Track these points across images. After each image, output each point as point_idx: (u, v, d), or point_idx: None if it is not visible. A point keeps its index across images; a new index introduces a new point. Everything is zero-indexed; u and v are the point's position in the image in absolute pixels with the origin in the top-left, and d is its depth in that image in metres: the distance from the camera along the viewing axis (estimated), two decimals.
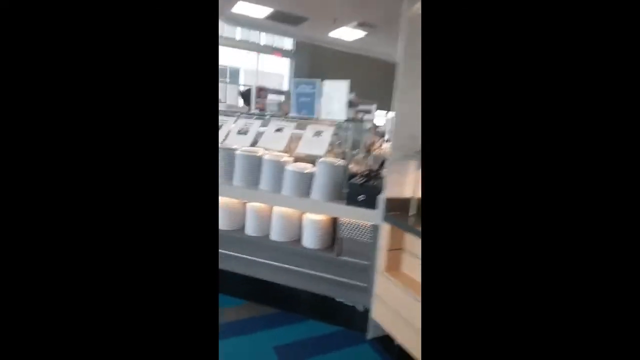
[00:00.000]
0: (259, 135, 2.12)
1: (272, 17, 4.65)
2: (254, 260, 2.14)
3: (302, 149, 1.99)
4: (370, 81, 6.04)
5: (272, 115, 2.24)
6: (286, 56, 9.23)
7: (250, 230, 2.17)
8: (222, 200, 2.18)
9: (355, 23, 4.62)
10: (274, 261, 2.10)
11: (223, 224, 2.19)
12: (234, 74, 10.54)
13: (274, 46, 9.00)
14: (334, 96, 2.07)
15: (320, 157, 1.98)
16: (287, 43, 9.02)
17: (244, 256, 2.15)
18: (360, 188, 1.85)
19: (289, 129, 2.09)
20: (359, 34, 5.04)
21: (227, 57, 9.48)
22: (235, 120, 2.22)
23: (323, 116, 2.11)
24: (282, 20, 4.77)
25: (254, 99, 2.36)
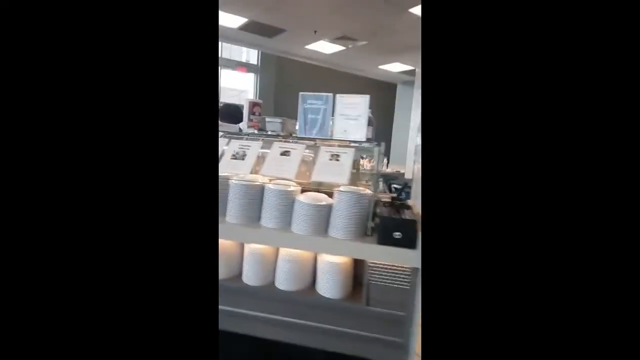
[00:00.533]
0: (260, 160, 1.73)
1: (245, 27, 4.29)
2: (257, 316, 1.71)
3: (318, 177, 1.63)
4: None
5: (272, 136, 1.86)
6: (251, 71, 8.82)
7: (250, 278, 1.74)
8: None
9: (336, 36, 4.39)
10: (282, 315, 1.69)
11: None
12: None
13: (231, 59, 8.42)
14: (351, 113, 1.75)
15: (339, 185, 1.63)
16: (252, 57, 8.61)
17: (244, 311, 1.71)
18: (394, 222, 1.52)
19: (298, 151, 1.72)
20: (338, 47, 4.81)
21: None
22: (228, 143, 1.81)
23: (337, 136, 1.77)
24: (256, 31, 4.41)
25: (247, 115, 1.97)
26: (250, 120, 1.98)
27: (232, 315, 1.70)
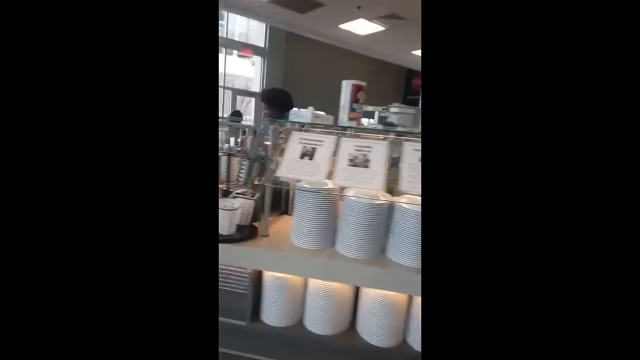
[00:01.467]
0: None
1: (278, 0, 3.68)
2: None
3: None
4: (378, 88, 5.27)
5: (398, 133, 1.34)
6: (258, 54, 8.06)
7: (372, 336, 1.25)
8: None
9: (380, 14, 3.82)
10: None
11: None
12: None
13: (232, 39, 7.48)
14: None
15: None
16: (255, 39, 7.82)
17: None
18: None
19: None
20: (377, 27, 4.23)
21: None
22: (337, 142, 1.28)
23: None
24: (289, 5, 3.80)
25: (349, 104, 1.44)
26: (351, 110, 1.46)
27: None
